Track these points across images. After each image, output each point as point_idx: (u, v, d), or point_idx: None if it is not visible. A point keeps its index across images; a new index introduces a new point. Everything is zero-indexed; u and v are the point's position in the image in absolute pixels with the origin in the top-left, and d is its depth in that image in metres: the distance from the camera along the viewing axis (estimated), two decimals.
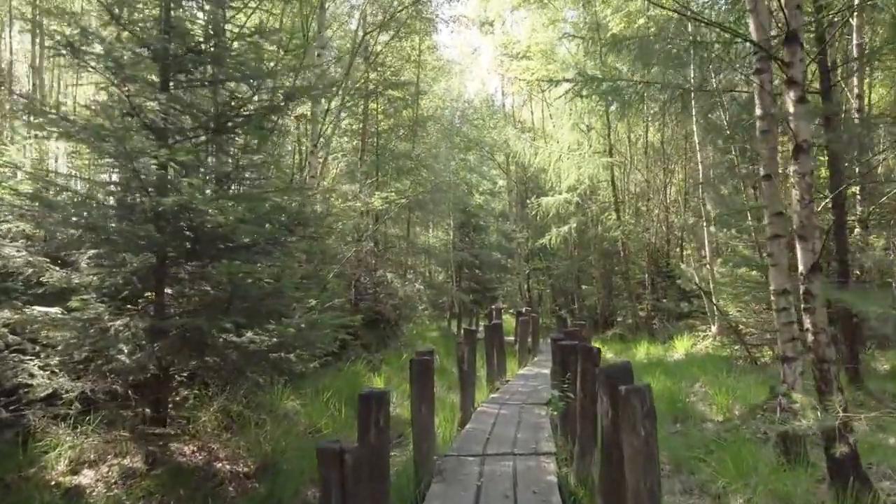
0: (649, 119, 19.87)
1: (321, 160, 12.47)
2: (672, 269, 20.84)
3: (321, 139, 12.05)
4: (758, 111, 5.59)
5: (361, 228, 17.76)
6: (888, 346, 11.80)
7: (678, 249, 21.94)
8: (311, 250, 7.45)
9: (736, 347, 13.21)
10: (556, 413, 5.63)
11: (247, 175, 6.51)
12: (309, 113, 12.33)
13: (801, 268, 4.36)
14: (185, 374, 6.82)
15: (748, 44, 8.11)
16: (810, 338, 4.44)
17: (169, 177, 5.69)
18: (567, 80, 9.99)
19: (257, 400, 8.29)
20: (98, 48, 5.62)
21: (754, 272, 12.95)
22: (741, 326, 13.20)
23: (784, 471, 5.18)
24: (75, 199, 6.12)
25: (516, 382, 10.21)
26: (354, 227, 17.66)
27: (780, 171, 6.30)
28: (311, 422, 8.57)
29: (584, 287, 24.72)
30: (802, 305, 4.36)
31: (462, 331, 8.57)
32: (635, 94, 10.10)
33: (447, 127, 24.71)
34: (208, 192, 5.77)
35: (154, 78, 6.15)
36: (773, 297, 5.38)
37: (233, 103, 6.30)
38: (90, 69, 5.85)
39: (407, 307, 20.86)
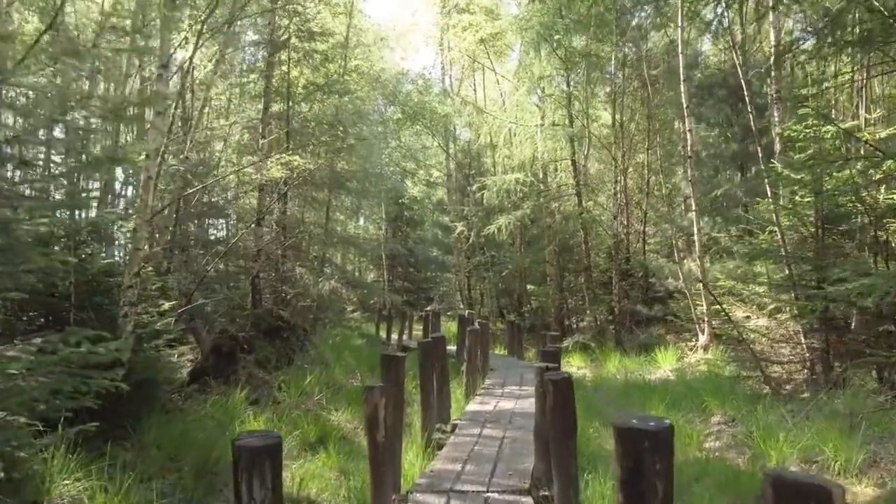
0: (615, 87, 16.74)
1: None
2: (633, 265, 17.91)
3: (172, 57, 8.06)
4: None
5: (264, 209, 13.80)
6: None
7: (639, 244, 19.01)
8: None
9: (747, 363, 10.13)
10: None
11: None
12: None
13: None
14: None
15: None
16: None
17: None
18: None
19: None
20: None
21: (772, 267, 10.00)
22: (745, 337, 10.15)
23: None
24: None
25: (468, 431, 6.58)
26: (258, 209, 13.76)
27: None
28: None
29: (531, 287, 21.49)
30: None
31: (381, 360, 4.81)
32: None
33: (382, 92, 20.95)
34: None
35: None
36: None
37: None
38: None
39: (325, 310, 17.12)
